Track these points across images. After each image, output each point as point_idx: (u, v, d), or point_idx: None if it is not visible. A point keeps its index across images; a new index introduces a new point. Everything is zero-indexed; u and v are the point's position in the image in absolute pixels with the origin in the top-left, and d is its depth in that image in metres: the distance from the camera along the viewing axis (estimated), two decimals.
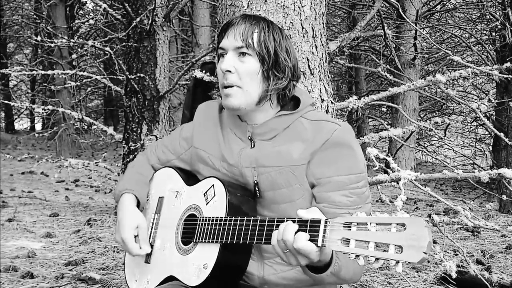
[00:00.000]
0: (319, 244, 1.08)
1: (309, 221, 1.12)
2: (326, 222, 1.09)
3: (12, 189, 7.17)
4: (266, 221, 1.24)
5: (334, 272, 1.19)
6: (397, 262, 0.96)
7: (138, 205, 1.56)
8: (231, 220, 1.30)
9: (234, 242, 1.28)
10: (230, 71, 1.34)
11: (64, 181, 8.63)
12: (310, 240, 1.10)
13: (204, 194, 1.42)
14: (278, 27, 1.40)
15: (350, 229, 1.04)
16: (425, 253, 0.93)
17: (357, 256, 1.01)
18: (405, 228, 0.96)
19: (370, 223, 1.01)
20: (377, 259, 0.98)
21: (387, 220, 0.99)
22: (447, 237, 2.67)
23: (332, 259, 1.18)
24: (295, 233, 1.12)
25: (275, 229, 1.20)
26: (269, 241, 1.20)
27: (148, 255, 1.53)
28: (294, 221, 1.15)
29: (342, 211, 1.31)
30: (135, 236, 1.49)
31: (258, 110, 1.39)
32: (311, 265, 1.18)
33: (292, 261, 1.15)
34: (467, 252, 3.86)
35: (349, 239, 1.03)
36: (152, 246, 1.53)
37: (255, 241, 1.25)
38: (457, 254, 3.76)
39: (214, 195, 1.38)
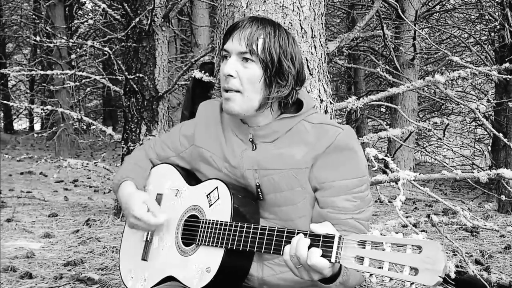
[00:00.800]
0: (333, 260, 1.09)
1: (322, 236, 1.12)
2: (340, 238, 1.09)
3: (11, 189, 7.17)
4: (275, 230, 1.23)
5: (343, 281, 1.20)
6: (412, 283, 0.97)
7: None
8: (237, 226, 1.30)
9: (240, 249, 1.28)
10: (232, 76, 1.33)
11: (63, 181, 8.62)
12: (323, 255, 1.10)
13: (207, 195, 1.41)
14: (286, 32, 1.38)
15: (364, 247, 1.04)
16: (440, 276, 0.93)
17: (371, 274, 1.01)
18: (420, 251, 0.97)
19: (385, 242, 1.01)
20: (391, 279, 0.99)
21: (402, 241, 1.00)
22: (446, 237, 2.67)
23: (341, 270, 1.19)
24: (308, 248, 1.13)
25: (285, 240, 1.20)
26: (278, 251, 1.21)
27: (145, 252, 1.52)
28: (305, 235, 1.15)
29: (346, 216, 1.31)
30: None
31: (258, 114, 1.38)
32: None
33: (304, 276, 1.15)
34: (466, 252, 3.86)
35: (363, 257, 1.03)
36: (149, 243, 1.53)
37: (263, 250, 1.24)
38: (456, 254, 3.76)
39: (218, 198, 1.37)
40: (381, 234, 1.06)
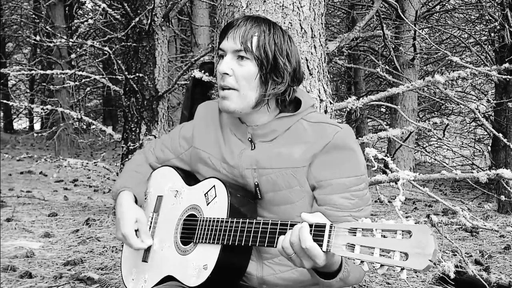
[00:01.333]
0: (324, 249, 1.08)
1: (313, 225, 1.12)
2: (331, 227, 1.09)
3: (10, 188, 7.17)
4: (269, 224, 1.23)
5: (343, 277, 1.20)
6: (402, 269, 0.96)
7: (136, 203, 1.55)
8: (232, 222, 1.30)
9: (236, 244, 1.28)
10: (227, 74, 1.34)
11: (62, 181, 8.62)
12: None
13: (204, 194, 1.42)
14: (281, 30, 1.38)
15: (355, 235, 1.04)
16: (430, 260, 0.93)
17: (362, 262, 1.01)
18: (410, 236, 0.97)
19: (376, 229, 1.01)
20: (382, 265, 0.99)
21: (392, 227, 0.99)
22: (446, 237, 2.67)
23: (341, 265, 1.19)
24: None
25: (279, 232, 1.20)
26: (272, 244, 1.21)
27: (146, 254, 1.53)
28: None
29: (344, 214, 1.31)
30: (136, 231, 1.48)
31: (255, 112, 1.38)
32: (321, 271, 1.18)
33: (297, 262, 1.15)
34: (465, 253, 3.86)
35: (354, 245, 1.03)
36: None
37: (257, 243, 1.25)
38: (455, 255, 3.76)
39: (215, 196, 1.38)
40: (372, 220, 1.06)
